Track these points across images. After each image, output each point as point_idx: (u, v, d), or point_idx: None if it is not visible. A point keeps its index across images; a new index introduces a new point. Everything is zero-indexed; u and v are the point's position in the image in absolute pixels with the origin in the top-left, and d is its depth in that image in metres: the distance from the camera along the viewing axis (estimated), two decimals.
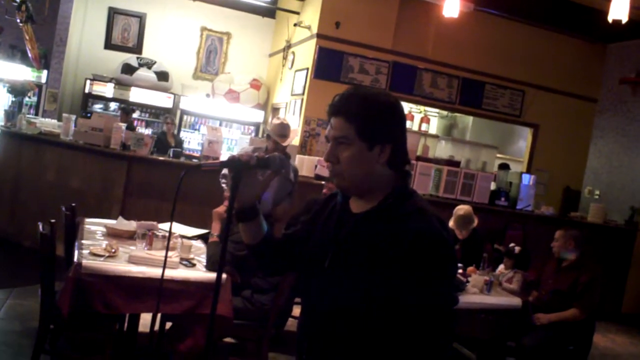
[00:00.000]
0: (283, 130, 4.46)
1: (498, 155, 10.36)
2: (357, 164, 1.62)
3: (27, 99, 8.89)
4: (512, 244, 5.18)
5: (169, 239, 2.08)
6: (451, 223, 5.21)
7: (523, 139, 10.68)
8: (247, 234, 1.81)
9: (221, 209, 4.08)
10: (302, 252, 1.78)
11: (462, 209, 5.26)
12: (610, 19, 5.32)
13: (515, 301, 4.46)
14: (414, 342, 1.54)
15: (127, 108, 9.24)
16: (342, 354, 1.63)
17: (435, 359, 1.55)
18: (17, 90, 8.28)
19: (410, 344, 1.55)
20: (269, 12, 10.82)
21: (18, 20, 8.14)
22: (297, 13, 9.35)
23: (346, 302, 1.59)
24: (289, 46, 9.60)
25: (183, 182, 1.70)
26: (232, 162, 1.70)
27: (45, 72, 9.35)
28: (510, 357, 4.66)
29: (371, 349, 1.58)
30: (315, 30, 8.40)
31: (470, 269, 4.75)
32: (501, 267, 5.06)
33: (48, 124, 6.97)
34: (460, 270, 4.68)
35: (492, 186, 7.81)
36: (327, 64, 8.34)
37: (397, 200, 1.62)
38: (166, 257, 1.94)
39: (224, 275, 3.41)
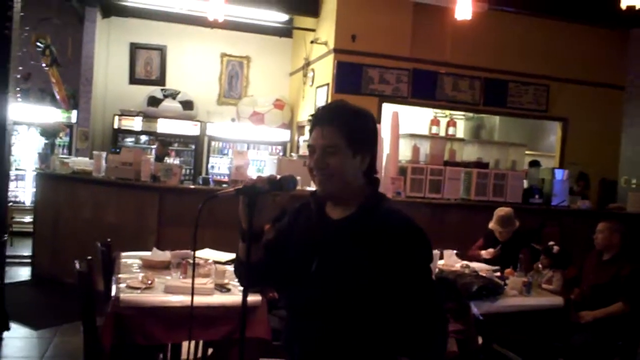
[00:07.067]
0: None
1: (528, 152, 10.23)
2: (345, 170, 1.75)
3: (59, 139, 9.15)
4: (551, 242, 5.05)
5: (193, 265, 2.12)
6: (492, 224, 5.21)
7: (553, 134, 10.52)
8: (254, 253, 1.79)
9: None
10: (282, 261, 1.85)
11: (502, 209, 5.28)
12: (623, 5, 5.25)
13: (557, 300, 4.36)
14: (408, 327, 1.69)
15: (164, 140, 9.42)
16: (337, 352, 1.72)
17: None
18: (49, 133, 8.55)
19: (403, 330, 1.69)
20: (286, 32, 10.94)
21: (43, 65, 8.39)
22: (313, 30, 9.43)
23: (337, 301, 1.70)
24: (307, 64, 9.68)
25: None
26: (246, 188, 1.75)
27: (74, 112, 9.61)
28: (560, 358, 4.55)
29: (365, 344, 1.70)
30: (332, 45, 8.46)
31: (507, 271, 4.67)
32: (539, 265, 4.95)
33: (80, 162, 7.12)
34: (497, 274, 4.63)
35: (525, 184, 7.71)
36: (347, 78, 8.38)
37: (375, 204, 1.79)
38: (193, 281, 1.98)
39: (259, 297, 3.44)
